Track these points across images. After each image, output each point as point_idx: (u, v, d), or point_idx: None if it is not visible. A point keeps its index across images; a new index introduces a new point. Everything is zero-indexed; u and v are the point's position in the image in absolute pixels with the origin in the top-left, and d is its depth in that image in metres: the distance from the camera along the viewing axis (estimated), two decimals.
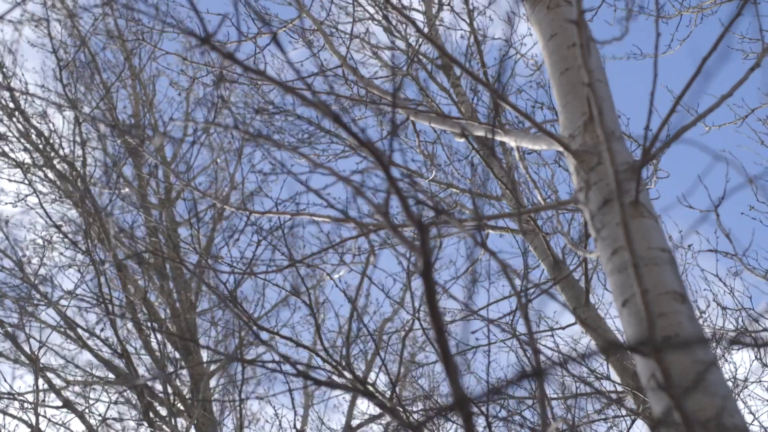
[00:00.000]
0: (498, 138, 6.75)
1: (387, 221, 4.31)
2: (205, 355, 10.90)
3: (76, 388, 11.23)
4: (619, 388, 7.04)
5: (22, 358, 11.00)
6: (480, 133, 6.70)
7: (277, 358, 5.19)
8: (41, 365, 10.22)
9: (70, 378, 11.72)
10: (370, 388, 5.32)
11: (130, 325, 10.94)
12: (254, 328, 4.60)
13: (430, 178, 7.81)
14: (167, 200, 12.52)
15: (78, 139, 11.02)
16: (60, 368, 11.58)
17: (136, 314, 9.76)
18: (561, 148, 5.63)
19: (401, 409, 4.84)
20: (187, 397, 10.13)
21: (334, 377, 5.16)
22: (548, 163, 9.46)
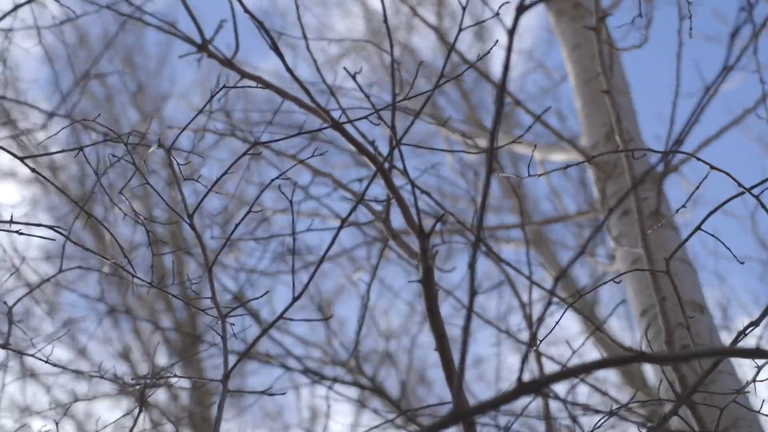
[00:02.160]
0: (517, 147, 6.72)
1: (387, 228, 4.27)
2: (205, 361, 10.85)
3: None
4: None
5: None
6: (484, 141, 6.64)
7: (287, 359, 5.15)
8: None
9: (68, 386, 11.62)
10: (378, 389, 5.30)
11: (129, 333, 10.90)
12: (265, 325, 4.59)
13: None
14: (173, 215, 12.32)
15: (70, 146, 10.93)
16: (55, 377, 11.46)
17: (133, 313, 9.67)
18: (582, 158, 5.58)
19: (410, 412, 4.80)
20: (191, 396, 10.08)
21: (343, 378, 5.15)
22: (566, 171, 9.39)
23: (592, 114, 5.70)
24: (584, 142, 5.72)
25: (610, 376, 7.39)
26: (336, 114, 4.17)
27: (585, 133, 5.76)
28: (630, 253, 5.12)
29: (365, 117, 2.82)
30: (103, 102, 11.94)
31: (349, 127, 4.05)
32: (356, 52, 8.35)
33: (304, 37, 4.23)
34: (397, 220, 4.71)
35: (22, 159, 3.46)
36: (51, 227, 3.31)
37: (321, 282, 8.99)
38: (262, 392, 2.56)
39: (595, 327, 2.47)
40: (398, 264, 6.97)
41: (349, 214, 2.35)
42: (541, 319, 2.19)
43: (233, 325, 2.50)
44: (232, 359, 2.77)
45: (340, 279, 8.67)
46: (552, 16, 6.13)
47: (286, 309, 2.39)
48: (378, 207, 4.26)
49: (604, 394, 5.01)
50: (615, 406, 2.19)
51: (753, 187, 3.07)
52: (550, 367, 3.95)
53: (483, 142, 6.12)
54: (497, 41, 2.44)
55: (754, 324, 2.48)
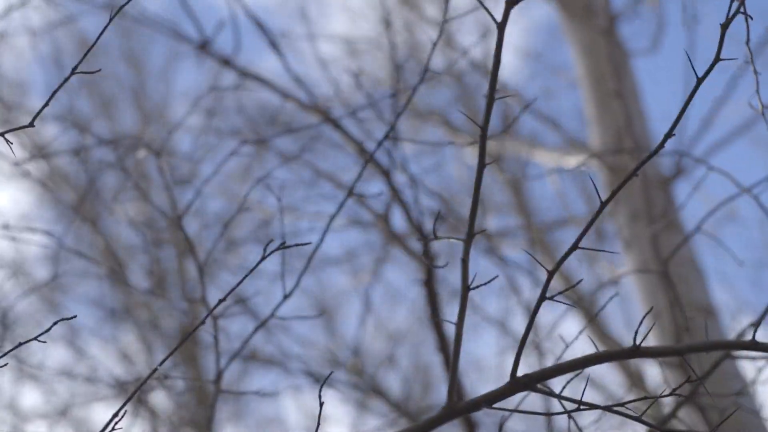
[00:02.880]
0: (522, 150, 6.68)
1: (388, 230, 4.25)
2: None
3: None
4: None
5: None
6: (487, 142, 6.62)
7: (287, 361, 5.14)
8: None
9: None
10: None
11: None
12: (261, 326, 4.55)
13: None
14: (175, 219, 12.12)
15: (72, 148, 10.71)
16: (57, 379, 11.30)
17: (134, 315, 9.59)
18: (591, 160, 5.55)
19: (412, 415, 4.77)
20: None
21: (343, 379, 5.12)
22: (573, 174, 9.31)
23: (602, 117, 5.67)
24: (594, 145, 5.70)
25: (613, 377, 7.37)
26: (337, 113, 4.19)
27: (595, 136, 5.73)
28: (639, 257, 5.10)
29: (354, 111, 2.79)
30: (104, 102, 11.89)
31: (351, 127, 4.05)
32: (357, 51, 8.30)
33: (310, 36, 4.23)
34: (401, 222, 4.72)
35: (17, 163, 3.45)
36: (46, 232, 3.31)
37: (323, 284, 8.96)
38: (256, 392, 2.53)
39: (590, 318, 2.43)
40: (403, 263, 6.95)
41: (339, 208, 2.31)
42: (534, 313, 2.14)
43: (221, 329, 2.47)
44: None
45: (342, 280, 8.63)
46: (564, 18, 6.10)
47: (277, 307, 2.36)
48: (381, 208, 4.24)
49: (602, 389, 4.95)
50: (615, 403, 2.14)
51: (752, 187, 3.05)
52: (548, 363, 3.91)
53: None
54: (479, 36, 2.42)
55: (754, 325, 2.43)
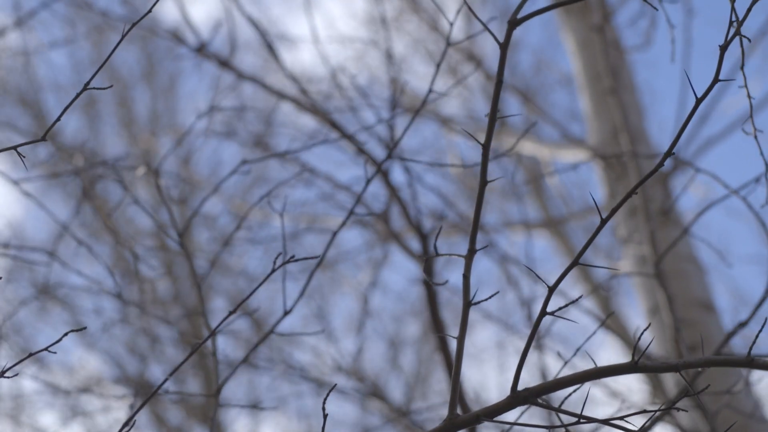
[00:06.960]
0: (524, 148, 6.69)
1: (387, 229, 4.26)
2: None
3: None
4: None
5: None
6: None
7: (289, 364, 5.14)
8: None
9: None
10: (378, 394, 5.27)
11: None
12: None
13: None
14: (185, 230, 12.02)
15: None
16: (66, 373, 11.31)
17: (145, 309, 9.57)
18: (589, 156, 5.56)
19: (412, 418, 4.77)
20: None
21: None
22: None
23: (599, 112, 5.68)
24: (591, 140, 5.71)
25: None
26: (335, 113, 4.19)
27: (592, 131, 5.74)
28: (636, 253, 5.10)
29: (369, 127, 2.81)
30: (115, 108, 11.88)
31: (348, 126, 4.06)
32: (360, 54, 8.32)
33: (316, 38, 4.22)
34: (400, 223, 4.71)
35: (16, 182, 3.47)
36: (42, 250, 3.35)
37: (323, 285, 8.97)
38: (254, 406, 2.54)
39: (600, 323, 2.44)
40: (401, 265, 6.94)
41: (346, 219, 2.32)
42: (535, 329, 2.15)
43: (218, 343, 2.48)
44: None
45: (342, 282, 8.64)
46: (562, 15, 6.11)
47: (277, 323, 2.36)
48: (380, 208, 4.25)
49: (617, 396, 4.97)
50: (613, 417, 2.15)
51: (740, 188, 3.08)
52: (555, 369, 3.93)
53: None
54: (477, 64, 2.42)
55: (743, 324, 2.46)
